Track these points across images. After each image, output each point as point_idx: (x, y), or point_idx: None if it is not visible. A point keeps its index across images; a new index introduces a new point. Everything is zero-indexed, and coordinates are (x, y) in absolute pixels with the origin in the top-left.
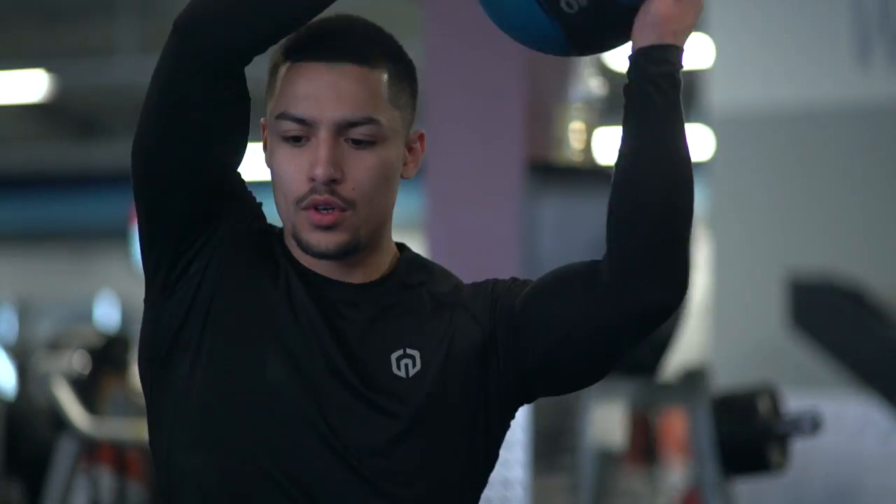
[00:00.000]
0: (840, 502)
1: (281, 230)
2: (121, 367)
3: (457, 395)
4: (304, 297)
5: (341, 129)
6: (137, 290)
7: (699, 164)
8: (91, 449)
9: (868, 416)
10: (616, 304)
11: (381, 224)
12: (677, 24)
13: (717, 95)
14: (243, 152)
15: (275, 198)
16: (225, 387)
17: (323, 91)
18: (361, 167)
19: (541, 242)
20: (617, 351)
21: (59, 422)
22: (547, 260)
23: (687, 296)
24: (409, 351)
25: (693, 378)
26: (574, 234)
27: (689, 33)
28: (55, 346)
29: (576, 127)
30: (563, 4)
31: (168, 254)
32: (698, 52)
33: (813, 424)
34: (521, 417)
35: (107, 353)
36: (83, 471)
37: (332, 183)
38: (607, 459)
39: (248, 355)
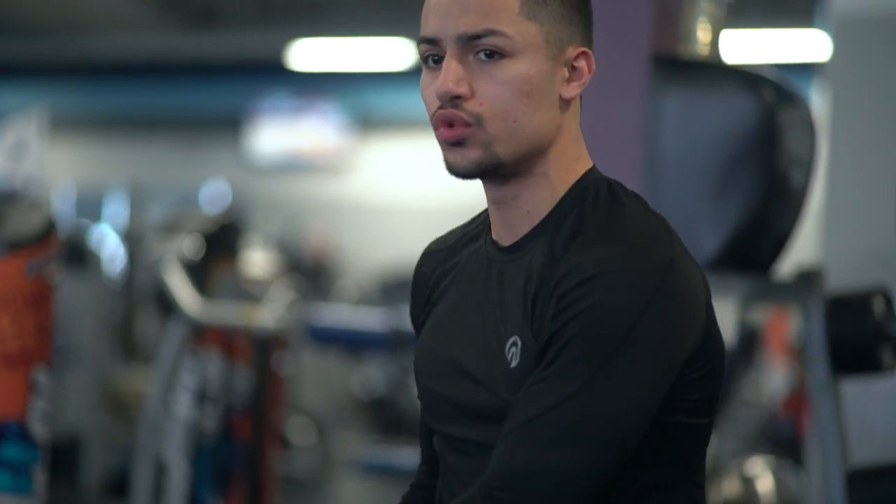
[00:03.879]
0: None
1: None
2: (232, 253)
3: None
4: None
5: (466, 44)
6: (246, 178)
7: (818, 66)
8: (200, 332)
9: None
10: None
11: (529, 147)
12: None
13: None
14: None
15: None
16: None
17: (448, 7)
18: (489, 81)
19: (663, 136)
20: None
21: (169, 305)
22: (668, 154)
23: None
24: (515, 339)
25: (808, 277)
26: (697, 128)
27: None
28: (166, 230)
29: (703, 22)
30: None
31: None
32: None
33: None
34: None
35: (219, 238)
36: (191, 353)
37: (457, 99)
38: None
39: None
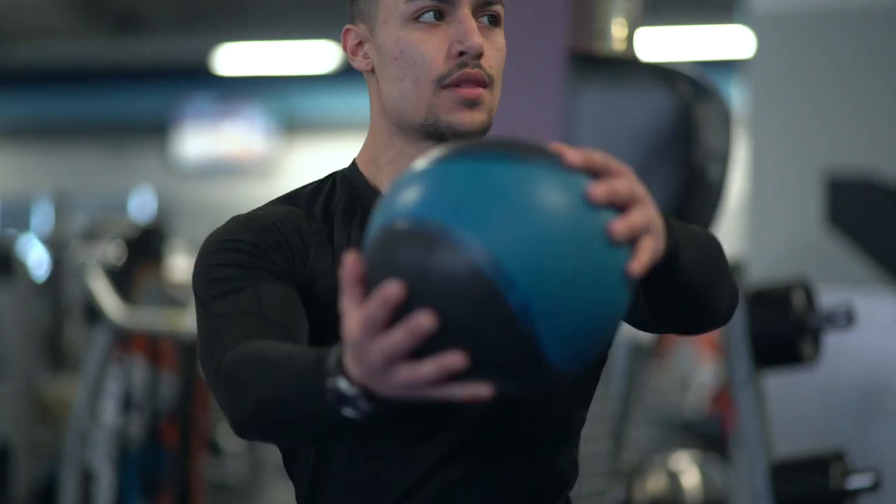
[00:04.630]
0: (869, 399)
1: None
2: (156, 258)
3: None
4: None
5: (478, 7)
6: (173, 183)
7: (741, 62)
8: (125, 339)
9: None
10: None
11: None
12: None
13: None
14: None
15: (396, 89)
16: None
17: None
18: (493, 46)
19: (579, 132)
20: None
21: (93, 312)
22: (586, 150)
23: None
24: None
25: None
26: (614, 124)
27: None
28: (90, 236)
29: (618, 19)
30: None
31: None
32: None
33: (847, 318)
34: None
35: (142, 244)
36: (117, 360)
37: (478, 58)
38: (638, 353)
39: None
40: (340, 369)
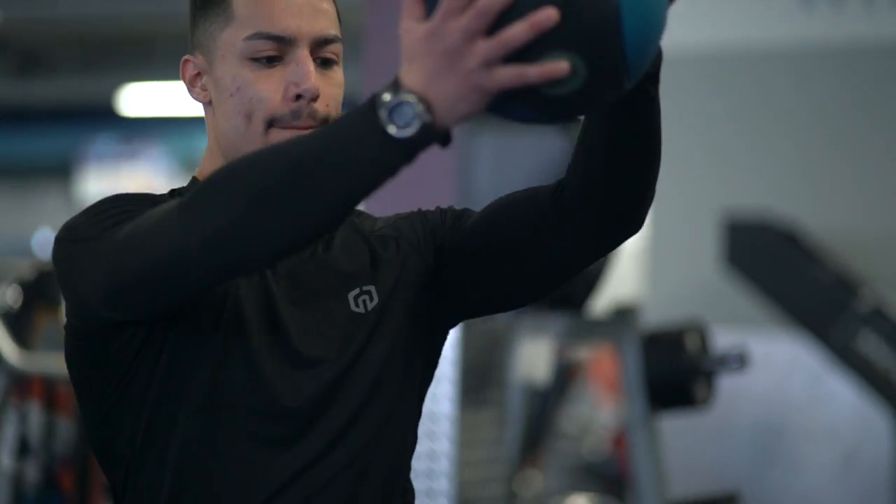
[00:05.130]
0: (766, 441)
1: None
2: (53, 302)
3: (403, 322)
4: None
5: (316, 46)
6: None
7: None
8: (21, 383)
9: (797, 357)
10: (575, 231)
11: None
12: None
13: None
14: None
15: (230, 125)
16: None
17: (301, 7)
18: (331, 84)
19: (477, 176)
20: (557, 278)
21: None
22: (482, 193)
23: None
24: (365, 288)
25: (623, 315)
26: (510, 167)
27: None
28: None
29: None
30: None
31: None
32: None
33: (740, 361)
34: (449, 351)
35: (39, 287)
36: (13, 405)
37: (313, 101)
38: (534, 394)
39: None
40: (397, 86)
